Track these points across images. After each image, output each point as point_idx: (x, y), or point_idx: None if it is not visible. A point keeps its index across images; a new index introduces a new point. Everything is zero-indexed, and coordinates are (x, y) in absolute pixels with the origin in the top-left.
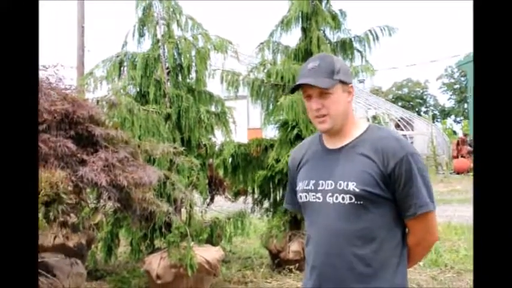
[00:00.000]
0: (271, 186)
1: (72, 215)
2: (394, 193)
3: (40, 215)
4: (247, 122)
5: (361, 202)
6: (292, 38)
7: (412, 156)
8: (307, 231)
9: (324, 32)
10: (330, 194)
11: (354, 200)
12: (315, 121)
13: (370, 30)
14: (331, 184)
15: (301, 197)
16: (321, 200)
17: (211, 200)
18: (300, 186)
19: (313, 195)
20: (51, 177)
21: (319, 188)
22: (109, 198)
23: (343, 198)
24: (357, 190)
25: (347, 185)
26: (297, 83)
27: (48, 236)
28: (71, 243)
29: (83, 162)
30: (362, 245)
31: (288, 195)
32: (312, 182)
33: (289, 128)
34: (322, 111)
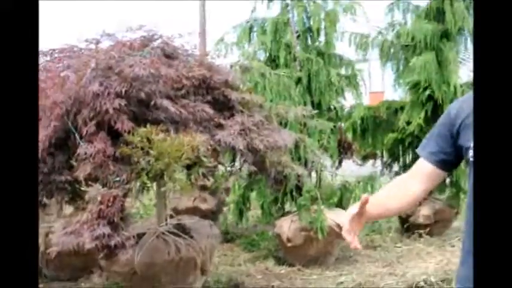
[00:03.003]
0: (401, 149)
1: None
2: None
3: (184, 177)
4: (369, 86)
5: None
6: None
7: None
8: None
9: None
10: None
11: None
12: None
13: None
14: None
15: None
16: None
17: (339, 163)
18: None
19: None
20: (193, 141)
21: None
22: (245, 161)
23: None
24: None
25: None
26: None
27: (181, 199)
28: (202, 206)
29: (220, 126)
30: None
31: (432, 142)
32: None
33: (421, 89)
34: None
